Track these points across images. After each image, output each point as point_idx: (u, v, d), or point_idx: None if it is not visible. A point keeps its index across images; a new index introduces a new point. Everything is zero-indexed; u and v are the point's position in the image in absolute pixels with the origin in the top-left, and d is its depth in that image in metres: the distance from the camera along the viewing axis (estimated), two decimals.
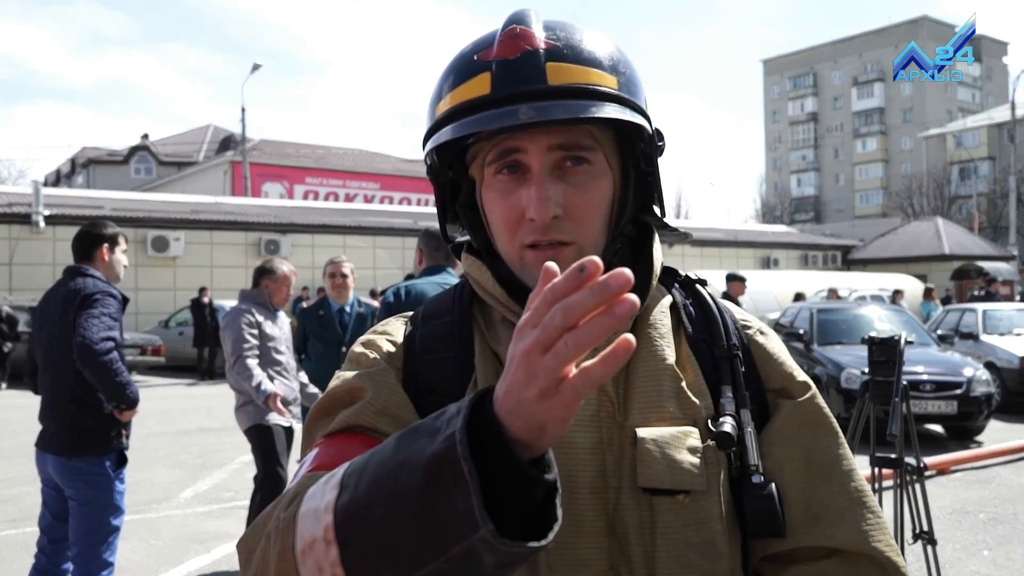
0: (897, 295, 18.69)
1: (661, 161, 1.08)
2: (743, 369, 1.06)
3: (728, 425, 0.97)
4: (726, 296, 10.04)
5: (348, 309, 5.44)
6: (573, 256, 0.99)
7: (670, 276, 1.15)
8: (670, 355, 1.03)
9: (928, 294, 20.30)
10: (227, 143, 43.30)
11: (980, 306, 14.16)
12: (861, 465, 4.42)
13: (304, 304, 6.55)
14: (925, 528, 4.16)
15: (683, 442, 0.97)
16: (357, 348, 1.09)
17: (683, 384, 1.01)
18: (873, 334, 4.35)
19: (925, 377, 9.15)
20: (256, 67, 30.35)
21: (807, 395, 1.06)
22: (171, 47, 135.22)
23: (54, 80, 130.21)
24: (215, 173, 38.44)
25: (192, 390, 15.49)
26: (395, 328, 1.12)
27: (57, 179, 50.92)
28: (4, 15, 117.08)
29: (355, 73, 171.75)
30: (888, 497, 4.28)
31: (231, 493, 7.05)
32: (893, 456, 4.14)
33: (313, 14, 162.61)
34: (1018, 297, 23.15)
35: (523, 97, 0.94)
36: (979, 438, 9.48)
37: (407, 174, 40.19)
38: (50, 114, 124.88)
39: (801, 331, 10.88)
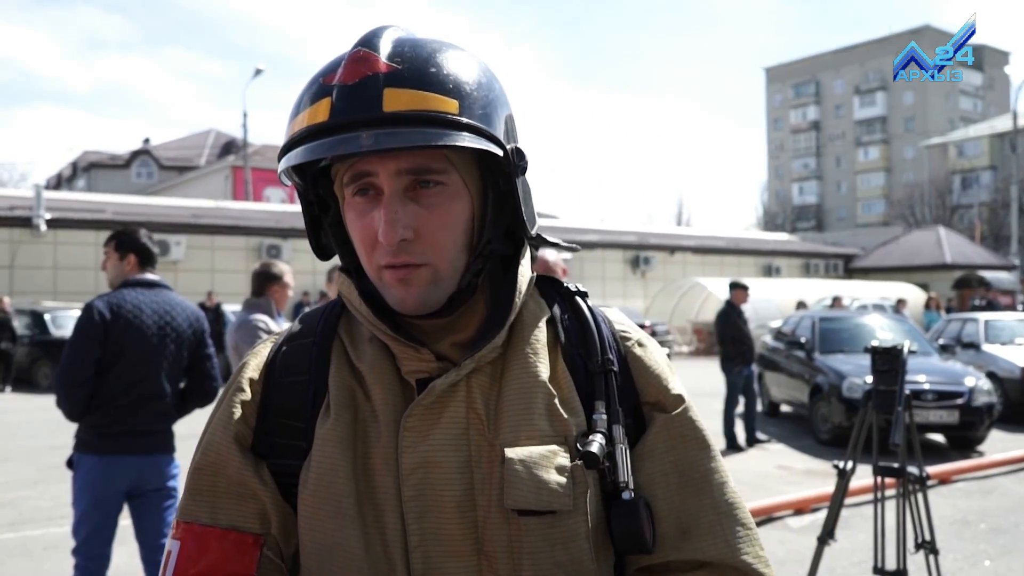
0: (900, 304, 18.68)
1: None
2: (619, 382, 1.05)
3: (595, 444, 0.97)
4: (729, 304, 10.03)
5: None
6: (428, 277, 0.98)
7: (554, 289, 1.13)
8: (543, 371, 1.02)
9: (930, 303, 20.32)
10: (228, 148, 43.40)
11: (982, 316, 14.17)
12: (864, 474, 4.42)
13: (307, 310, 6.49)
14: (927, 537, 4.15)
15: (551, 461, 0.97)
16: (231, 382, 1.09)
17: (555, 401, 1.00)
18: (876, 343, 4.35)
19: (927, 387, 9.12)
20: (258, 72, 30.43)
21: (679, 409, 1.06)
22: (170, 51, 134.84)
23: (52, 83, 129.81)
24: (216, 178, 38.52)
25: None
26: (263, 350, 1.12)
27: (58, 182, 51.04)
28: (1, 18, 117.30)
29: None
30: (891, 506, 4.27)
31: None
32: (896, 465, 4.13)
33: (313, 19, 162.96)
34: (1020, 307, 23.14)
35: (361, 124, 0.93)
36: (980, 448, 9.46)
37: None
38: (49, 117, 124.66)
39: (803, 339, 10.87)
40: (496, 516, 0.96)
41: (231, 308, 17.08)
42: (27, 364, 16.09)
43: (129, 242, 3.74)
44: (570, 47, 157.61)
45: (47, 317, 16.58)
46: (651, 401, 1.07)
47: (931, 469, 6.13)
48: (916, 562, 4.41)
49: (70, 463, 3.62)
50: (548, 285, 1.14)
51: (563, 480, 0.97)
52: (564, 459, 0.98)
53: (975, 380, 9.51)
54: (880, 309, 17.99)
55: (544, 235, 1.11)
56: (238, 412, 1.05)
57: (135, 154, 46.51)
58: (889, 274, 30.76)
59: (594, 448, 0.96)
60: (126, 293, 3.64)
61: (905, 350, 4.20)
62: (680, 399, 1.07)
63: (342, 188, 1.02)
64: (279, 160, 1.01)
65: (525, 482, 0.95)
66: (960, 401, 9.14)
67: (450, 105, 0.95)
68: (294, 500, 1.02)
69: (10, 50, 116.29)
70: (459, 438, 0.98)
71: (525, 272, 1.07)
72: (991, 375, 11.46)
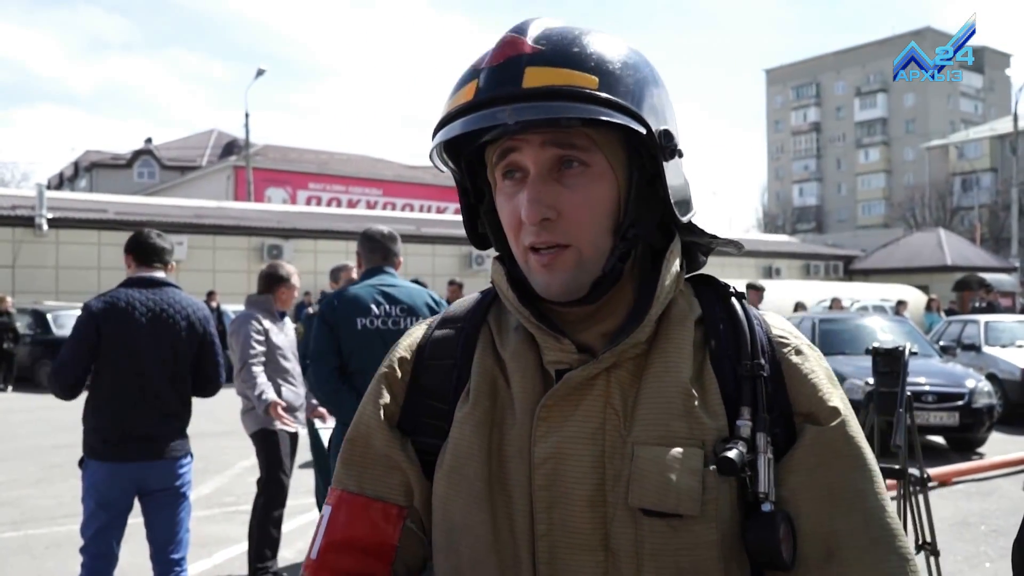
0: (901, 305, 18.67)
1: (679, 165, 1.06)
2: (769, 389, 1.01)
3: (734, 451, 0.94)
4: None
5: None
6: (572, 261, 0.98)
7: (709, 286, 1.11)
8: (686, 371, 0.99)
9: (930, 305, 20.31)
10: (230, 148, 43.39)
11: (982, 317, 14.16)
12: None
13: (309, 310, 6.52)
14: (928, 539, 4.16)
15: (683, 463, 0.94)
16: (384, 360, 1.14)
17: (696, 403, 0.98)
18: (877, 345, 4.36)
19: (927, 388, 9.13)
20: (260, 72, 30.40)
21: (834, 422, 1.00)
22: (172, 52, 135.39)
23: (55, 84, 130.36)
24: (218, 178, 38.50)
25: None
26: (417, 331, 1.16)
27: (60, 182, 51.00)
28: (5, 18, 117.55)
29: (358, 79, 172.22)
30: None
31: (233, 497, 7.05)
32: (896, 467, 4.14)
33: (315, 20, 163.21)
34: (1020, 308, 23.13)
35: (501, 100, 0.95)
36: (981, 450, 9.48)
37: (409, 180, 40.26)
38: (51, 117, 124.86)
39: None
40: (623, 514, 0.95)
41: (232, 308, 17.08)
42: (29, 363, 16.11)
43: (129, 242, 3.79)
44: None
45: (49, 317, 16.59)
46: (803, 412, 1.01)
47: (931, 471, 6.14)
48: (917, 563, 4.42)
49: (81, 463, 3.64)
50: (705, 283, 1.12)
51: (693, 484, 0.94)
52: (697, 462, 0.95)
53: (975, 382, 9.52)
54: (881, 311, 17.98)
55: (698, 224, 1.09)
56: (387, 389, 1.10)
57: (137, 154, 46.51)
58: (889, 276, 30.71)
59: (731, 454, 0.93)
60: (121, 291, 3.67)
61: (907, 352, 4.21)
62: (836, 412, 1.01)
63: (494, 173, 1.04)
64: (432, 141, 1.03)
65: (651, 481, 0.94)
66: (960, 403, 9.15)
67: (589, 81, 0.95)
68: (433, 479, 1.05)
69: (13, 51, 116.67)
70: (594, 432, 0.98)
71: (671, 265, 1.04)
72: (991, 377, 11.48)
